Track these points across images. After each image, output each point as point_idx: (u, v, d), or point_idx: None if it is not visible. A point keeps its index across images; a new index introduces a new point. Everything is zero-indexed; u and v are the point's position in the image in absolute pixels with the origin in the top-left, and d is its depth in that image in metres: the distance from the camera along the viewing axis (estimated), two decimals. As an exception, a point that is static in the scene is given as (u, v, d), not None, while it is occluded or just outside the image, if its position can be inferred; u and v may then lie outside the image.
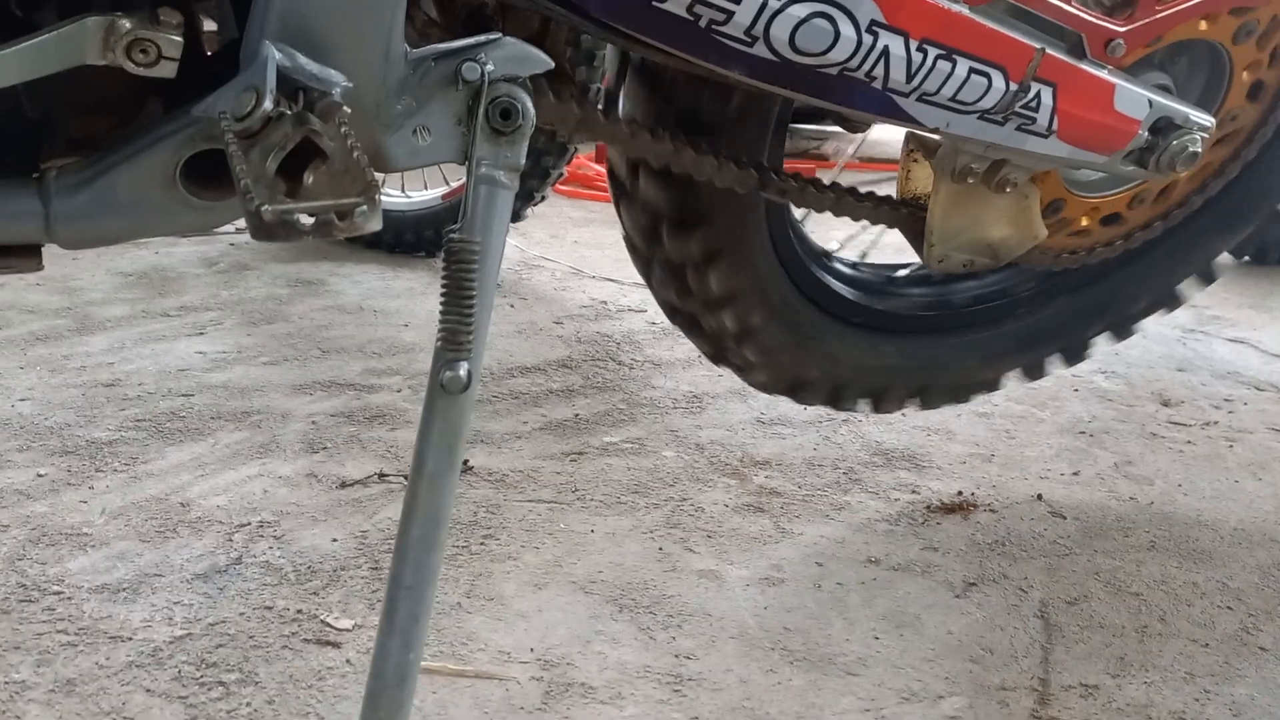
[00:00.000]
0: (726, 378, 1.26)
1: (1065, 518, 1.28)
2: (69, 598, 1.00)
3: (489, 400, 1.54)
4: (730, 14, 0.73)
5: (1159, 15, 0.93)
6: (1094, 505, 1.32)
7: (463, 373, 0.61)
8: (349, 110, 0.57)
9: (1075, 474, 1.41)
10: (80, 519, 1.14)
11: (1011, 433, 1.53)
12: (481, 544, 1.14)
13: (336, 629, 0.97)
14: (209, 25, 0.71)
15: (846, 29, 0.76)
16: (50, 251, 0.68)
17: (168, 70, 0.60)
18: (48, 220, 0.62)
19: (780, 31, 0.74)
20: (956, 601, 1.08)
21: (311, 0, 0.60)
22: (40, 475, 1.23)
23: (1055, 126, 0.89)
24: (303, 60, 0.59)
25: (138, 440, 1.33)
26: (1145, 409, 1.66)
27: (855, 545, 1.18)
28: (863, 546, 1.18)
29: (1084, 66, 0.89)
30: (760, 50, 0.75)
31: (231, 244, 2.31)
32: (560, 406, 1.54)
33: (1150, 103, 0.93)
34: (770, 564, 1.13)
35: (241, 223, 0.60)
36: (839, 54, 0.77)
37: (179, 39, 0.60)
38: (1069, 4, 0.88)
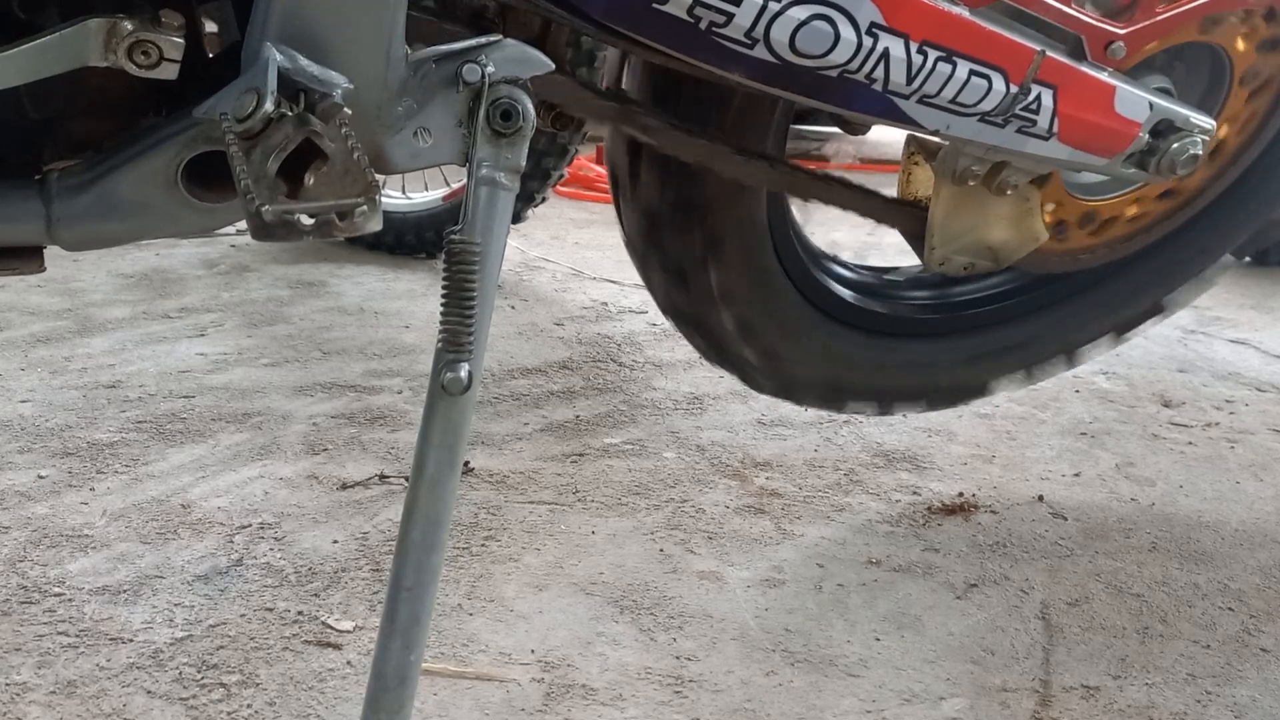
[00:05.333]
0: (727, 379, 1.26)
1: (1066, 519, 1.28)
2: (70, 599, 1.00)
3: (490, 402, 1.54)
4: (731, 16, 0.73)
5: (1159, 17, 0.93)
6: (1095, 506, 1.32)
7: (463, 374, 0.61)
8: (350, 111, 0.58)
9: (1076, 475, 1.41)
10: (81, 520, 1.14)
11: (1012, 434, 1.53)
12: (482, 545, 1.14)
13: (337, 630, 0.97)
14: (210, 27, 0.71)
15: (847, 31, 0.76)
16: (51, 253, 0.68)
17: (169, 72, 0.60)
18: (50, 222, 0.62)
19: (780, 34, 0.75)
20: (958, 603, 1.08)
21: (312, 2, 0.60)
22: (41, 477, 1.23)
23: (1056, 129, 0.89)
24: (304, 62, 0.60)
25: (139, 442, 1.33)
26: (1146, 410, 1.66)
27: (856, 546, 1.18)
28: (864, 548, 1.18)
29: (1084, 69, 0.89)
30: (760, 52, 0.75)
31: (232, 245, 2.31)
32: (561, 408, 1.54)
33: (1151, 105, 0.93)
34: (771, 565, 1.13)
35: (242, 224, 0.60)
36: (839, 56, 0.77)
37: (180, 41, 0.60)
38: (1069, 6, 0.88)
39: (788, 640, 1.00)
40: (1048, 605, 1.09)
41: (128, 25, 0.59)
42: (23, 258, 0.65)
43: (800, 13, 0.74)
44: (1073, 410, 1.63)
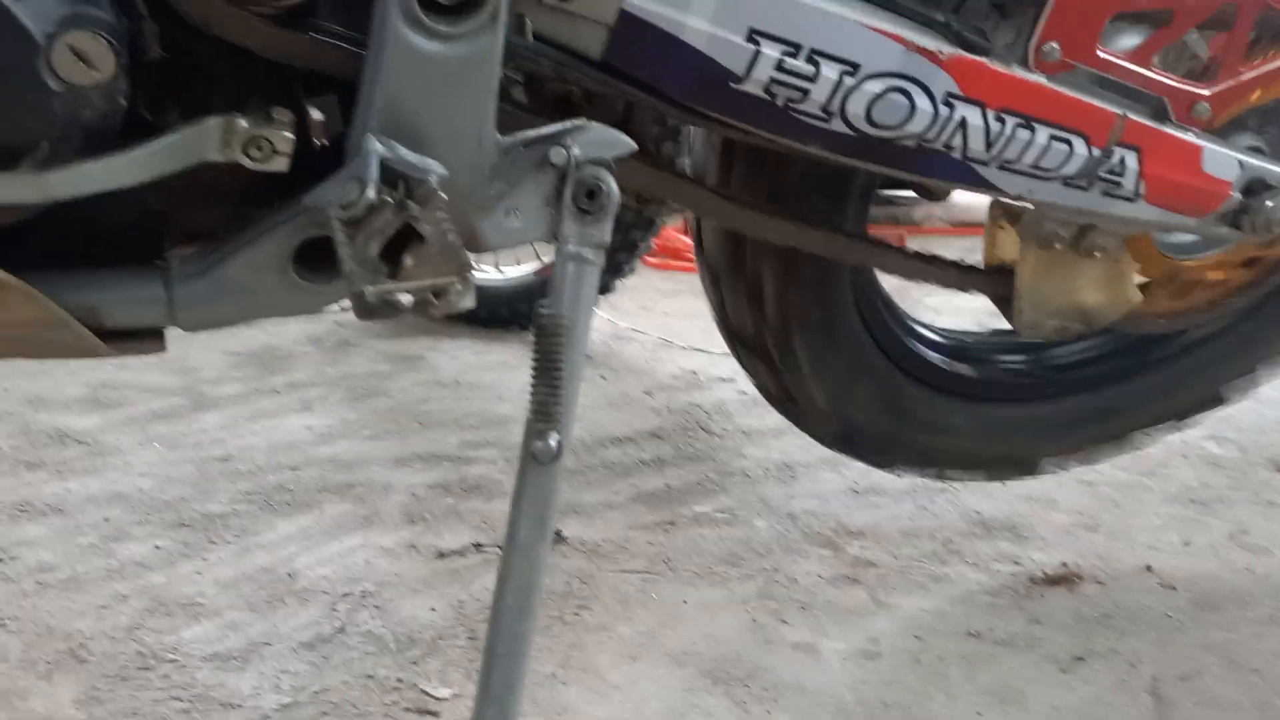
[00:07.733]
0: (818, 447, 1.25)
1: (1176, 589, 1.23)
2: (183, 665, 1.04)
3: (581, 471, 1.56)
4: (806, 92, 0.75)
5: (1244, 77, 0.92)
6: (1207, 576, 1.26)
7: (553, 443, 0.63)
8: (445, 196, 0.61)
9: (1186, 544, 1.35)
10: (194, 589, 1.18)
11: (1118, 501, 1.48)
12: (575, 614, 1.15)
13: (435, 697, 0.99)
14: (316, 116, 0.76)
15: (922, 102, 0.77)
16: (167, 333, 0.72)
17: (281, 165, 0.65)
18: (171, 305, 0.67)
19: (856, 107, 0.76)
20: (1063, 676, 1.05)
21: (411, 95, 0.64)
22: (158, 547, 1.28)
23: (1142, 190, 0.89)
24: (402, 151, 0.63)
25: (248, 513, 1.39)
26: (1259, 475, 1.59)
27: (955, 618, 1.16)
28: (963, 619, 1.15)
29: (1168, 130, 0.88)
30: (837, 125, 0.77)
31: (336, 322, 2.40)
32: (651, 477, 1.55)
33: (1241, 164, 0.92)
34: (867, 636, 1.12)
35: (345, 301, 0.64)
36: (916, 126, 0.78)
37: (291, 136, 0.65)
38: (1150, 69, 0.88)
39: (885, 714, 0.98)
40: (1158, 680, 1.04)
41: (243, 123, 0.64)
42: (147, 339, 0.70)
43: (875, 86, 0.76)
44: (1180, 476, 1.58)
